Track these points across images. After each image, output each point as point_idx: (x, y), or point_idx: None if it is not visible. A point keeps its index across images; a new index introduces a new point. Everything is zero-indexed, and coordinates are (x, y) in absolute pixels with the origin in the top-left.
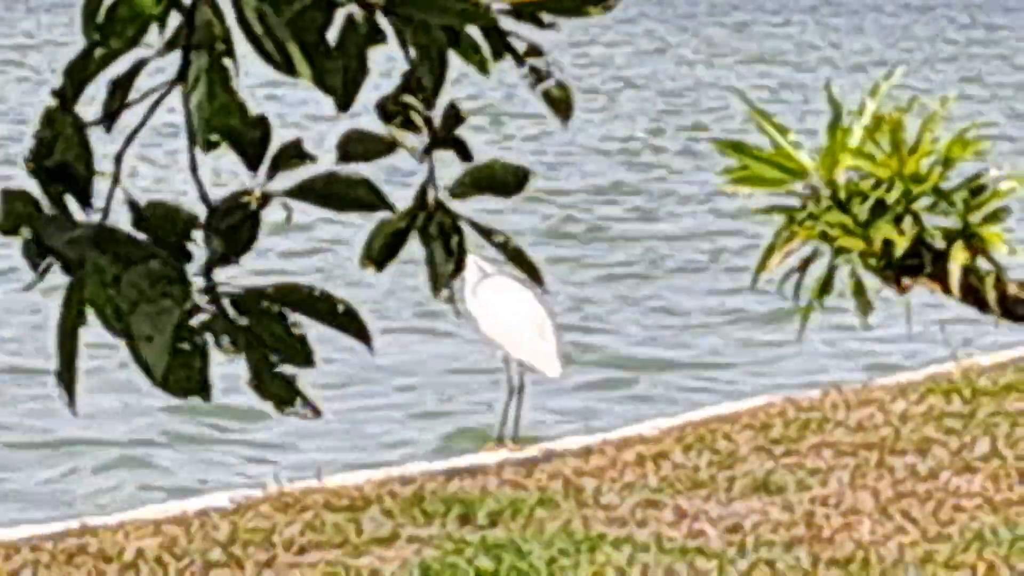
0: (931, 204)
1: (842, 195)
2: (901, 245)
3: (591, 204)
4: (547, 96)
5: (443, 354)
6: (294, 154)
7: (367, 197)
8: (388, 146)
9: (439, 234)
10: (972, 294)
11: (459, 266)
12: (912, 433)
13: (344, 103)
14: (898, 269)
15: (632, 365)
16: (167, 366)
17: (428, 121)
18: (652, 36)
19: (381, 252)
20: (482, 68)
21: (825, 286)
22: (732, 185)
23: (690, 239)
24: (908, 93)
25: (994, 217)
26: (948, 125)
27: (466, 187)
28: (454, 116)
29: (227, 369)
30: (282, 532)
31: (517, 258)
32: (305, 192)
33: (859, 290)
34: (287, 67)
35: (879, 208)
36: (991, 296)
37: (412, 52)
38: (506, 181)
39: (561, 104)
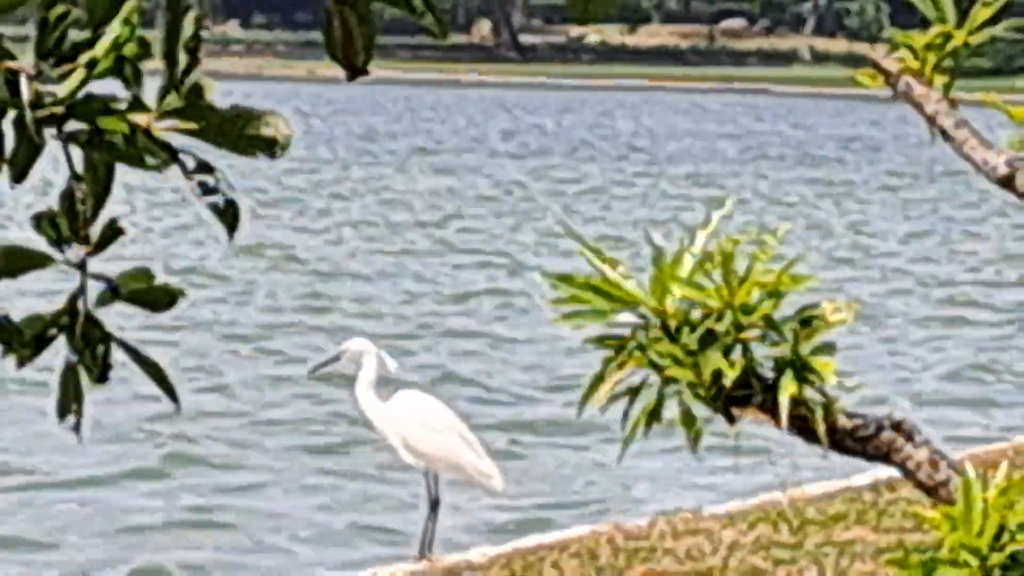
0: (761, 335)
1: (672, 324)
2: (730, 376)
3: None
4: (214, 209)
5: None
6: None
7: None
8: (42, 260)
9: (85, 345)
10: (801, 424)
11: (103, 377)
12: (740, 563)
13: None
14: (727, 399)
15: (460, 488)
16: None
17: (84, 236)
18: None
19: (29, 346)
20: (157, 169)
21: (653, 415)
22: (561, 321)
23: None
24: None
25: (824, 348)
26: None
27: (116, 298)
28: (112, 232)
29: None
30: None
31: (158, 377)
32: None
33: (688, 420)
34: None
35: (709, 338)
36: (820, 428)
37: (77, 165)
38: (158, 298)
39: (226, 217)
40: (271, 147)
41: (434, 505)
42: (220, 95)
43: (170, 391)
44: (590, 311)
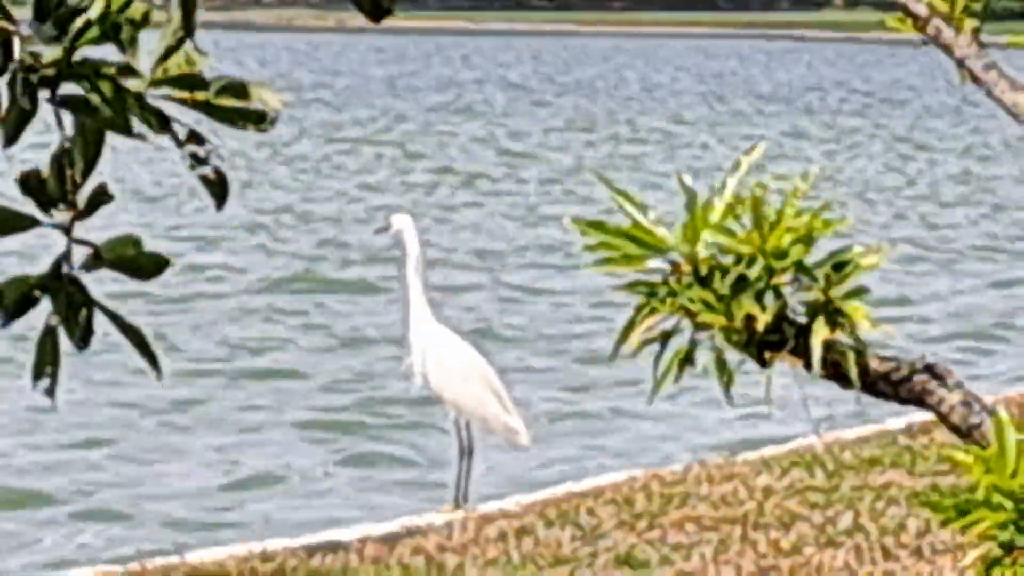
0: (793, 280)
1: (703, 271)
2: (763, 321)
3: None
4: (204, 180)
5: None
6: None
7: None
8: (28, 222)
9: (67, 308)
10: (834, 369)
11: (84, 341)
12: (775, 508)
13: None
14: (760, 345)
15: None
16: None
17: (72, 201)
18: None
19: (12, 306)
20: (142, 138)
21: (686, 360)
22: (595, 267)
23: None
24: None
25: (856, 292)
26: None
27: (100, 264)
28: (101, 196)
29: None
30: None
31: (140, 344)
32: None
33: (721, 365)
34: None
35: (741, 284)
36: (852, 372)
37: (68, 129)
38: (143, 265)
39: (216, 188)
40: (260, 120)
41: (468, 452)
42: (251, 47)
43: (152, 359)
44: (621, 257)
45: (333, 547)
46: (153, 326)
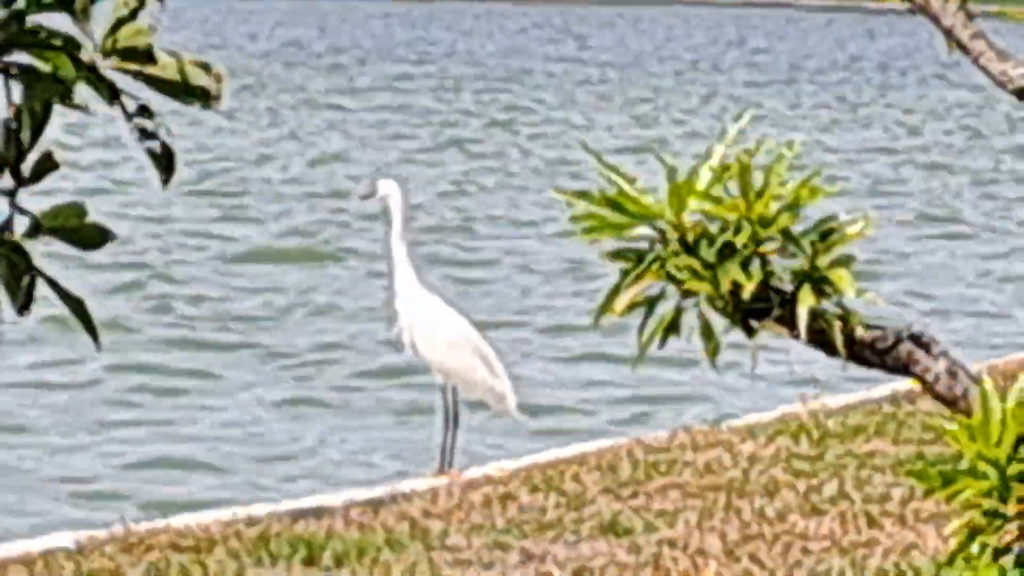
0: (779, 247)
1: (689, 238)
2: (749, 288)
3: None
4: (151, 154)
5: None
6: None
7: None
8: None
9: (9, 273)
10: (819, 337)
11: (25, 308)
12: (760, 475)
13: None
14: (746, 312)
15: (476, 404)
16: None
17: (15, 169)
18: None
19: None
20: (85, 110)
21: (671, 327)
22: (584, 235)
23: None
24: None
25: (842, 260)
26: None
27: (41, 232)
28: (46, 164)
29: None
30: (127, 573)
31: (79, 314)
32: None
33: (707, 332)
34: None
35: (727, 251)
36: (838, 340)
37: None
38: (88, 236)
39: (162, 163)
40: (206, 97)
41: (454, 420)
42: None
43: (91, 329)
44: (607, 225)
45: (318, 512)
46: (138, 293)
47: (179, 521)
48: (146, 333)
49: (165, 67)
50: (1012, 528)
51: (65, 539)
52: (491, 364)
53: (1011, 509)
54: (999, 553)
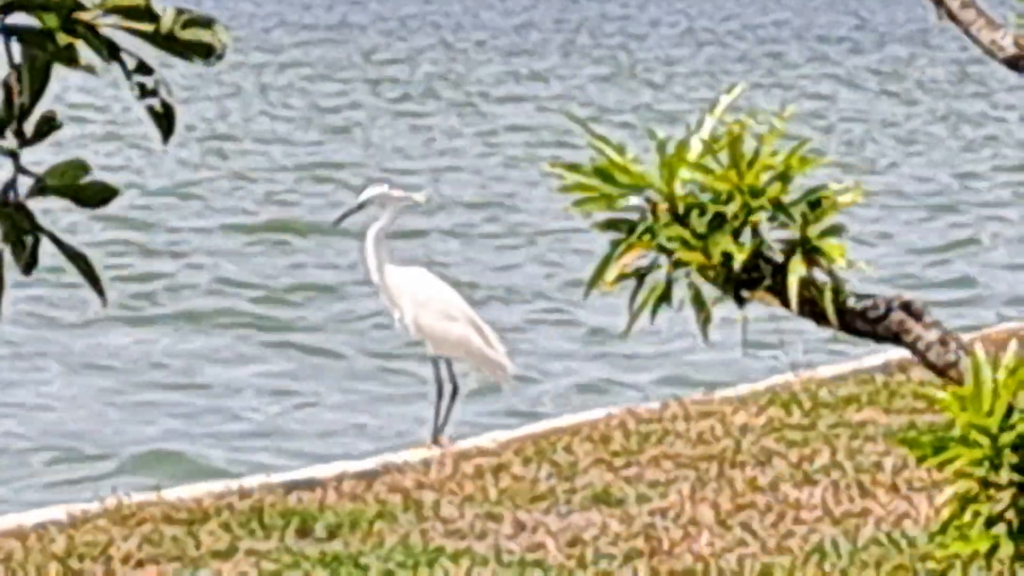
0: (770, 217)
1: (680, 208)
2: (740, 258)
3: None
4: (151, 112)
5: None
6: None
7: None
8: None
9: (14, 233)
10: (810, 307)
11: (29, 268)
12: (752, 445)
13: None
14: (737, 282)
15: (468, 375)
16: None
17: (18, 130)
18: None
19: None
20: (90, 70)
21: (662, 297)
22: (575, 207)
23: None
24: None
25: (833, 230)
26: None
27: (46, 191)
28: (48, 124)
29: None
30: (119, 546)
31: (85, 271)
32: None
33: (698, 301)
34: None
35: (718, 221)
36: (829, 309)
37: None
38: (89, 193)
39: (162, 121)
40: (208, 53)
41: (452, 392)
42: None
43: (96, 285)
44: (599, 196)
45: (310, 484)
46: (139, 270)
47: (172, 494)
48: (142, 307)
49: (165, 24)
50: (1004, 497)
51: (58, 512)
52: (485, 334)
53: (1003, 478)
54: (991, 522)
